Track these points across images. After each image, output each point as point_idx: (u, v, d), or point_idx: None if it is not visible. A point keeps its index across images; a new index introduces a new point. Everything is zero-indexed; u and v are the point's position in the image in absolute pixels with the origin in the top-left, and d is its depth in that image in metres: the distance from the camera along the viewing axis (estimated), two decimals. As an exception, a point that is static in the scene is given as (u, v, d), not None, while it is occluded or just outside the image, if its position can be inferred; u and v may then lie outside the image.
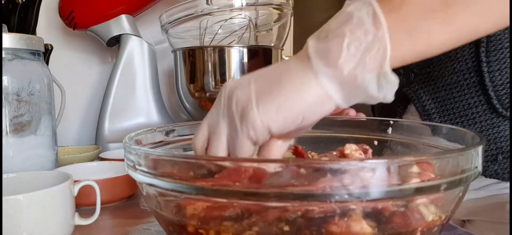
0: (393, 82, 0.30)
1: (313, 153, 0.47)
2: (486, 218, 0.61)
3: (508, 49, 0.53)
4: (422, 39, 0.31)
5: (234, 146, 0.33)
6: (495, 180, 0.58)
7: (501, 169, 0.56)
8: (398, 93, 0.30)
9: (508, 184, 0.58)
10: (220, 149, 0.34)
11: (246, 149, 0.33)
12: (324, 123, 0.50)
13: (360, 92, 0.31)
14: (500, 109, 0.54)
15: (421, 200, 0.30)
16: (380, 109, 0.74)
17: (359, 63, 0.30)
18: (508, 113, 0.54)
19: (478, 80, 0.55)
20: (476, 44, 0.55)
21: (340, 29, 0.31)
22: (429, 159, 0.30)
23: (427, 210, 0.31)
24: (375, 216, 0.29)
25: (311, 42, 0.32)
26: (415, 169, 0.29)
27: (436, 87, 0.59)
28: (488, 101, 0.55)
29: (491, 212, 0.59)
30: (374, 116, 0.79)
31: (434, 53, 0.32)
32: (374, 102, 0.31)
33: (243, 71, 0.85)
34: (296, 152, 0.44)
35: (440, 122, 0.58)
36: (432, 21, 0.31)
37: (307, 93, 0.31)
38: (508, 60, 0.53)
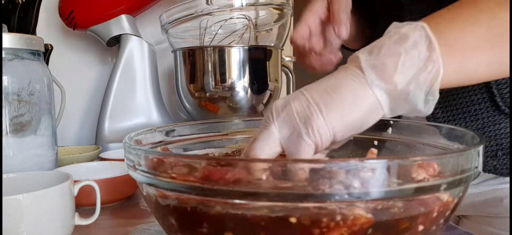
0: (436, 98, 0.34)
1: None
2: (483, 213, 0.61)
3: None
4: (468, 75, 0.36)
5: (296, 150, 0.34)
6: (494, 175, 0.59)
7: (500, 165, 0.57)
8: None
9: (506, 180, 0.58)
10: (267, 148, 0.35)
11: (308, 153, 0.34)
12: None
13: (408, 106, 0.34)
14: (503, 107, 0.55)
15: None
16: None
17: (412, 80, 0.33)
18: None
19: None
20: None
21: (395, 48, 0.34)
22: (429, 159, 0.30)
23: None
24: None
25: (363, 57, 0.35)
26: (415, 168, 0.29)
27: None
28: (491, 99, 0.56)
29: (488, 207, 0.60)
30: None
31: (471, 83, 0.38)
32: (414, 115, 0.35)
33: (243, 71, 0.85)
34: None
35: (443, 117, 0.59)
36: (479, 61, 0.36)
37: (363, 102, 0.34)
38: None
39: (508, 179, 0.58)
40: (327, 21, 0.57)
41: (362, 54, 0.35)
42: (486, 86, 0.56)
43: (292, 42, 0.58)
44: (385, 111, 0.35)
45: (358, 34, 0.69)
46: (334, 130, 0.34)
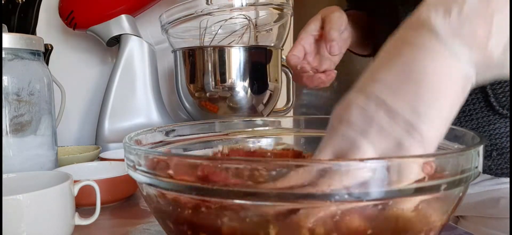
0: None
1: None
2: (479, 214, 0.61)
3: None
4: None
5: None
6: (489, 176, 0.59)
7: (494, 165, 0.57)
8: None
9: (502, 180, 0.58)
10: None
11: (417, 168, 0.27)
12: (324, 122, 0.50)
13: (501, 73, 0.29)
14: (497, 107, 0.55)
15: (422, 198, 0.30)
16: None
17: (507, 45, 0.27)
18: (504, 111, 0.55)
19: None
20: None
21: (482, 7, 0.27)
22: (429, 159, 0.30)
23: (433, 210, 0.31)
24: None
25: (439, 20, 0.28)
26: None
27: None
28: (485, 99, 0.56)
29: (484, 207, 0.60)
30: None
31: None
32: (500, 78, 0.29)
33: (243, 71, 0.85)
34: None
35: None
36: None
37: (456, 84, 0.28)
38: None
39: (503, 179, 0.58)
40: (321, 40, 0.61)
41: (436, 16, 0.28)
42: (480, 87, 0.56)
43: (287, 62, 0.62)
44: (474, 84, 0.29)
45: (359, 42, 0.70)
46: (440, 132, 0.28)
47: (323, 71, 0.60)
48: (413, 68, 0.28)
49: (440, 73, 0.27)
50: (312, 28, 0.62)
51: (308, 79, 0.60)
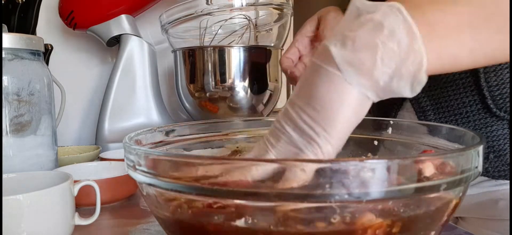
0: (424, 83, 0.32)
1: None
2: (478, 215, 0.61)
3: None
4: (450, 60, 0.33)
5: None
6: (487, 178, 0.59)
7: (491, 167, 0.57)
8: None
9: (501, 182, 0.58)
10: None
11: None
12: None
13: (394, 95, 0.33)
14: (494, 109, 0.55)
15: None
16: (376, 105, 0.75)
17: (394, 74, 0.31)
18: (502, 114, 0.55)
19: (474, 80, 0.56)
20: None
21: (370, 39, 0.31)
22: (429, 159, 0.30)
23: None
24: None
25: (336, 51, 0.32)
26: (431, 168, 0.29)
27: (432, 86, 0.60)
28: (482, 101, 0.56)
29: (483, 209, 0.60)
30: (371, 112, 0.80)
31: (456, 71, 0.35)
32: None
33: (243, 71, 0.85)
34: None
35: (435, 119, 0.59)
36: (460, 44, 0.33)
37: (350, 103, 0.32)
38: (504, 63, 0.54)
39: (502, 181, 0.58)
40: (317, 40, 0.62)
41: (334, 48, 0.32)
42: (477, 89, 0.56)
43: (280, 64, 0.63)
44: (373, 100, 0.33)
45: None
46: (337, 146, 0.33)
47: None
48: (315, 93, 0.33)
49: (334, 97, 0.32)
50: (308, 29, 0.62)
51: None
